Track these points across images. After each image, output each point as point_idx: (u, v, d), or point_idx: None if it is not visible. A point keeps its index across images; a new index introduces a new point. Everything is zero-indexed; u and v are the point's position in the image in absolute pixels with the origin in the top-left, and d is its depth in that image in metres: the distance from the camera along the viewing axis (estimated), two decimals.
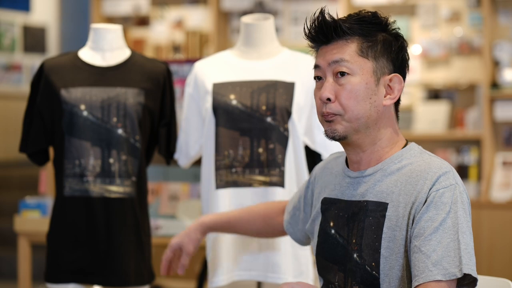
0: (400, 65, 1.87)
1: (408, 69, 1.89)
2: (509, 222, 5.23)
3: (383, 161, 1.84)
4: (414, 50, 5.81)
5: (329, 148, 2.73)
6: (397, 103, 1.89)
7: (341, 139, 1.84)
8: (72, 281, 2.77)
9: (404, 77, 1.88)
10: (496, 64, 5.48)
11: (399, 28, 1.88)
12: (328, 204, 1.92)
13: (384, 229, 1.78)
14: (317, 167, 2.08)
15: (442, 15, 5.79)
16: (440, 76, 5.79)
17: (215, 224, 2.35)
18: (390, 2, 5.75)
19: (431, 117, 5.69)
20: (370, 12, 1.87)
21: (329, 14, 1.84)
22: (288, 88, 2.68)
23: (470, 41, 5.68)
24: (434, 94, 5.83)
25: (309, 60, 2.78)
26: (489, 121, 5.42)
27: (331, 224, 1.89)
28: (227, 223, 2.34)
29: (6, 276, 5.89)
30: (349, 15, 1.86)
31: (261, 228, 2.31)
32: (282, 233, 2.27)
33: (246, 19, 2.79)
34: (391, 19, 1.87)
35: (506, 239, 5.22)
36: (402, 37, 1.87)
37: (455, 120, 5.71)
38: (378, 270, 1.77)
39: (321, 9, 1.83)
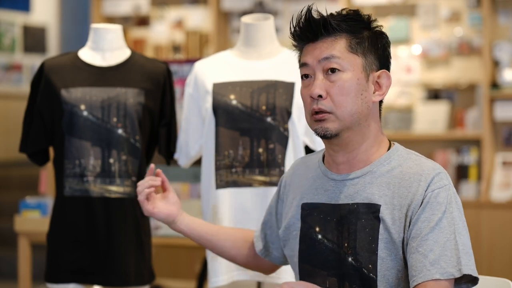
0: (385, 62, 1.87)
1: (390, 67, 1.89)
2: (509, 222, 5.23)
3: (372, 163, 1.83)
4: (414, 50, 5.81)
5: None
6: (380, 102, 1.88)
7: (333, 137, 1.81)
8: (72, 281, 2.77)
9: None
10: (496, 64, 5.48)
11: (381, 26, 1.87)
12: (310, 209, 1.88)
13: (380, 230, 1.77)
14: (284, 177, 2.03)
15: (442, 15, 5.79)
16: (440, 76, 5.79)
17: (196, 220, 2.14)
18: (390, 2, 5.75)
19: (431, 117, 5.69)
20: (352, 10, 1.86)
21: (317, 11, 1.83)
22: (288, 88, 2.68)
23: (470, 41, 5.68)
24: (434, 94, 5.82)
25: None
26: (489, 121, 5.42)
27: (317, 229, 1.86)
28: (209, 226, 2.14)
29: (6, 276, 5.88)
30: (331, 14, 1.84)
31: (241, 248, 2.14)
32: (260, 265, 2.14)
33: (246, 19, 2.79)
34: (373, 17, 1.87)
35: (506, 239, 5.22)
36: (385, 35, 1.87)
37: (455, 120, 5.71)
38: (375, 272, 1.77)
39: (309, 6, 1.83)
